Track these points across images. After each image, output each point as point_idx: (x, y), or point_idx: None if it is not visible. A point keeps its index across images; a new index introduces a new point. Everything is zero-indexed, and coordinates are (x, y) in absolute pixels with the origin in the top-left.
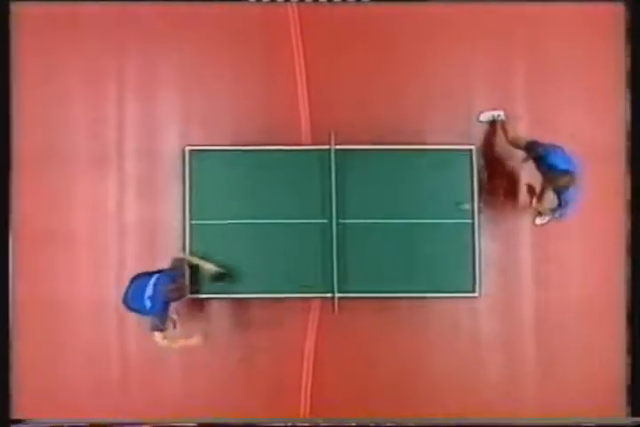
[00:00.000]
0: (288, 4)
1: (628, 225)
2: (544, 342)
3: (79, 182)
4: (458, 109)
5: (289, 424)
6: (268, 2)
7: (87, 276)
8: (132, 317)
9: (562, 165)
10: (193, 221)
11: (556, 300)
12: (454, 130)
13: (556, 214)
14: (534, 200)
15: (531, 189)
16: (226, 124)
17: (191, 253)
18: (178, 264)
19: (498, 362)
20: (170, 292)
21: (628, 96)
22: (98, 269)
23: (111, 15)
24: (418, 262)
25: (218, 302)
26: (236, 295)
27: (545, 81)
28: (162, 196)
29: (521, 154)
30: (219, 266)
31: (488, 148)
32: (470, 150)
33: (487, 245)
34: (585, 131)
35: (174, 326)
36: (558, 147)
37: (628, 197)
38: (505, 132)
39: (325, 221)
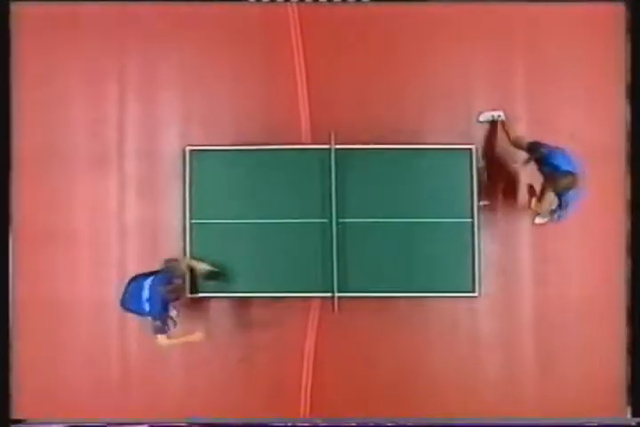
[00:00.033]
0: (288, 4)
1: (628, 225)
2: (544, 341)
3: (79, 182)
4: (458, 109)
5: (289, 424)
6: (267, 2)
7: (87, 276)
8: (133, 317)
9: (564, 167)
10: (193, 221)
11: (555, 300)
12: (454, 130)
13: (556, 215)
14: (533, 201)
15: (531, 190)
16: (226, 124)
17: (184, 253)
18: (171, 265)
19: (497, 362)
20: (167, 293)
21: (628, 96)
22: (98, 269)
23: (111, 15)
24: (418, 262)
25: (218, 302)
26: (236, 295)
27: (545, 81)
28: (162, 196)
29: (523, 155)
30: (212, 265)
31: (488, 148)
32: (470, 150)
33: (487, 245)
34: (585, 131)
35: (174, 325)
36: (560, 148)
37: (628, 197)
38: (506, 132)
39: (325, 220)
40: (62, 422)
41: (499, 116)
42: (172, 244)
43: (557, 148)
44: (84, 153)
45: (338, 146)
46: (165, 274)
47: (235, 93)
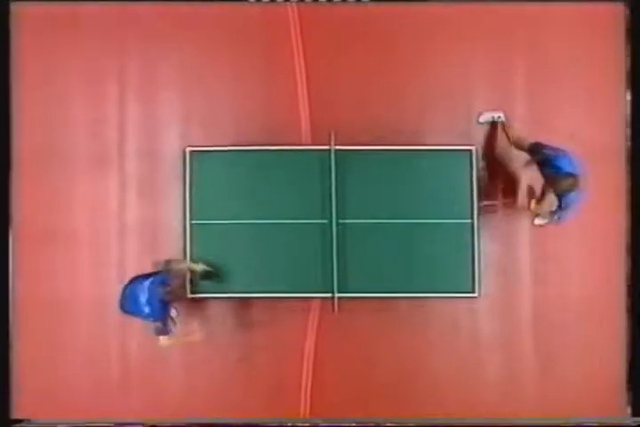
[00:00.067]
0: (288, 3)
1: (628, 225)
2: (544, 341)
3: (79, 182)
4: (458, 110)
5: (289, 424)
6: (267, 2)
7: (87, 276)
8: (133, 317)
9: (566, 168)
10: (193, 221)
11: (555, 300)
12: (454, 130)
13: (555, 217)
14: (533, 203)
15: (530, 192)
16: (226, 125)
17: (185, 253)
18: (167, 266)
19: (497, 362)
20: (165, 294)
21: (628, 96)
22: (98, 270)
23: (111, 15)
24: (417, 262)
25: (218, 302)
26: (236, 295)
27: (545, 81)
28: (162, 196)
29: (524, 156)
30: (208, 265)
31: (489, 149)
32: (470, 150)
33: (487, 245)
34: (585, 131)
35: (174, 325)
36: (562, 149)
37: (628, 197)
38: (507, 133)
39: (325, 221)
40: (62, 422)
41: (499, 117)
42: (172, 244)
43: (559, 149)
44: (84, 153)
45: (338, 146)
46: (162, 275)
47: (235, 93)
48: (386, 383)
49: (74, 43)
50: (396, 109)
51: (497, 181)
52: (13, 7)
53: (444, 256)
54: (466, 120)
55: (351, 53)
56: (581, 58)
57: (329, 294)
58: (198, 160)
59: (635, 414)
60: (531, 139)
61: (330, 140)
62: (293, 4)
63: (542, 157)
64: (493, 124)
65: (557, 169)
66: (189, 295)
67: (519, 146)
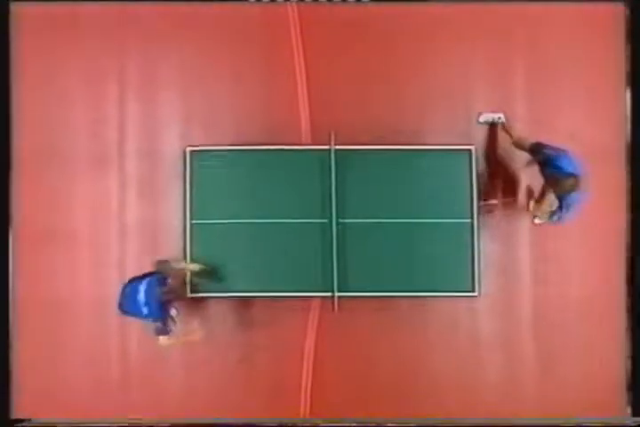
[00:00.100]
0: (288, 3)
1: (628, 225)
2: (544, 341)
3: (79, 182)
4: (458, 110)
5: (289, 424)
6: (267, 2)
7: (88, 276)
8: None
9: (567, 168)
10: (193, 221)
11: (555, 299)
12: (454, 130)
13: (555, 217)
14: (532, 203)
15: (529, 192)
16: (226, 125)
17: (185, 253)
18: (163, 266)
19: (497, 362)
20: (163, 294)
21: (628, 96)
22: (98, 269)
23: (111, 15)
24: (417, 262)
25: (218, 302)
26: (236, 295)
27: (545, 81)
28: (162, 196)
29: (525, 156)
30: (204, 264)
31: (489, 150)
32: (470, 150)
33: (487, 245)
34: (585, 131)
35: (174, 324)
36: (563, 150)
37: (629, 197)
38: (508, 134)
39: (325, 220)
40: (62, 422)
41: (499, 118)
42: (172, 244)
43: (560, 149)
44: (84, 153)
45: (338, 146)
46: (159, 275)
47: (235, 93)
48: (386, 383)
49: (74, 43)
50: (396, 109)
51: (497, 181)
52: (13, 7)
53: (444, 256)
54: (466, 120)
55: (351, 53)
56: (581, 58)
57: (329, 294)
58: (198, 160)
59: (635, 414)
60: (531, 139)
61: (330, 140)
62: (293, 3)
63: (543, 158)
64: (493, 125)
65: (558, 169)
66: (189, 295)
67: (520, 146)
